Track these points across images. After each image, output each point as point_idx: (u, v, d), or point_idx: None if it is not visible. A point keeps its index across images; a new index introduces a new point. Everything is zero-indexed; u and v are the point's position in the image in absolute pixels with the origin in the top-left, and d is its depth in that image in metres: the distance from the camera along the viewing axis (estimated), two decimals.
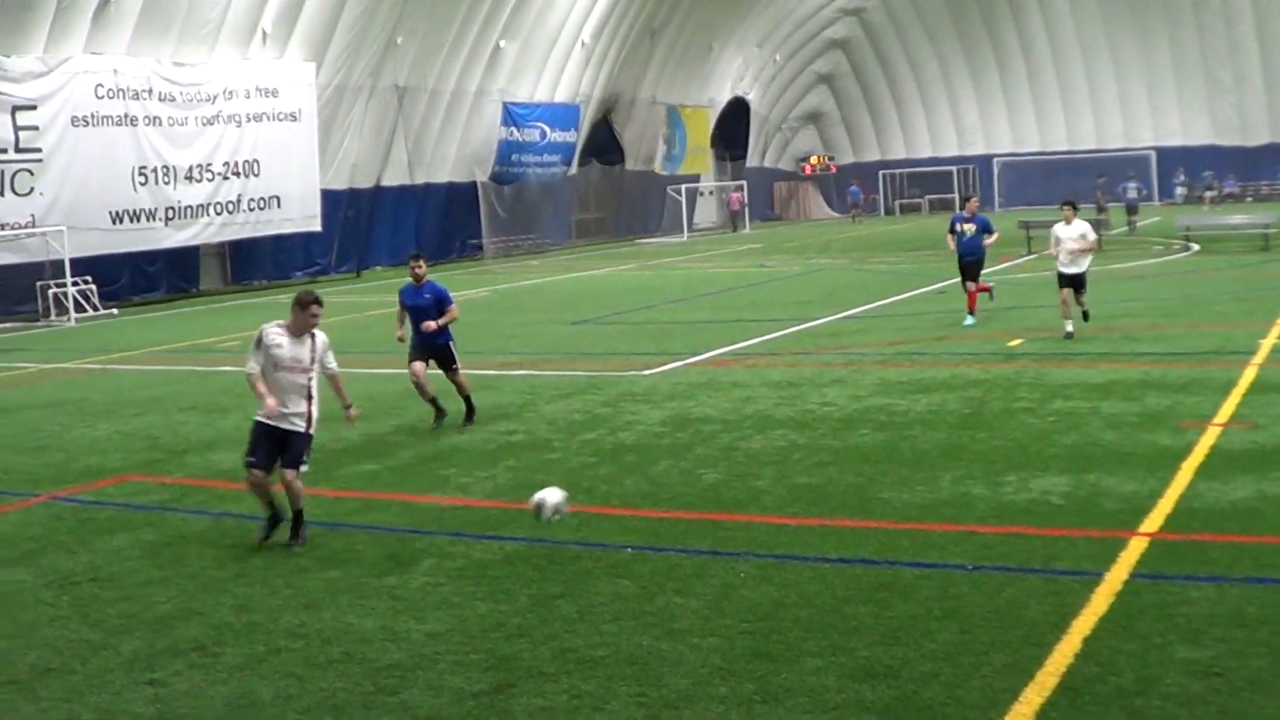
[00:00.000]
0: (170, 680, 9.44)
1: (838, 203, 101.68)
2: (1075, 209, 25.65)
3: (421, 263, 19.42)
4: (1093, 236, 25.60)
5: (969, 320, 28.12)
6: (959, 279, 29.62)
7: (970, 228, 29.16)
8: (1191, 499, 12.84)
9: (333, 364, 13.58)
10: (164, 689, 9.28)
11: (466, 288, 43.28)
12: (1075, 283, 24.86)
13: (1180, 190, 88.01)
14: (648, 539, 12.45)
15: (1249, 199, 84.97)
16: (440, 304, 18.96)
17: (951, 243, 29.55)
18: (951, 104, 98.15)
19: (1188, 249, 46.54)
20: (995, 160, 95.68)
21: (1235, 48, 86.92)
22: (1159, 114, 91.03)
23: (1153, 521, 12.15)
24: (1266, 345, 22.54)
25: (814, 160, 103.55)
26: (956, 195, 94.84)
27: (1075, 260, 24.79)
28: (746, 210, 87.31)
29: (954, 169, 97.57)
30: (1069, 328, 24.62)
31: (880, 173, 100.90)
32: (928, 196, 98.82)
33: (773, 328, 28.78)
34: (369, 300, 43.36)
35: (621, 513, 13.55)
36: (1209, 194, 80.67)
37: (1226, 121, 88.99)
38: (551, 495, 11.96)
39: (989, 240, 29.52)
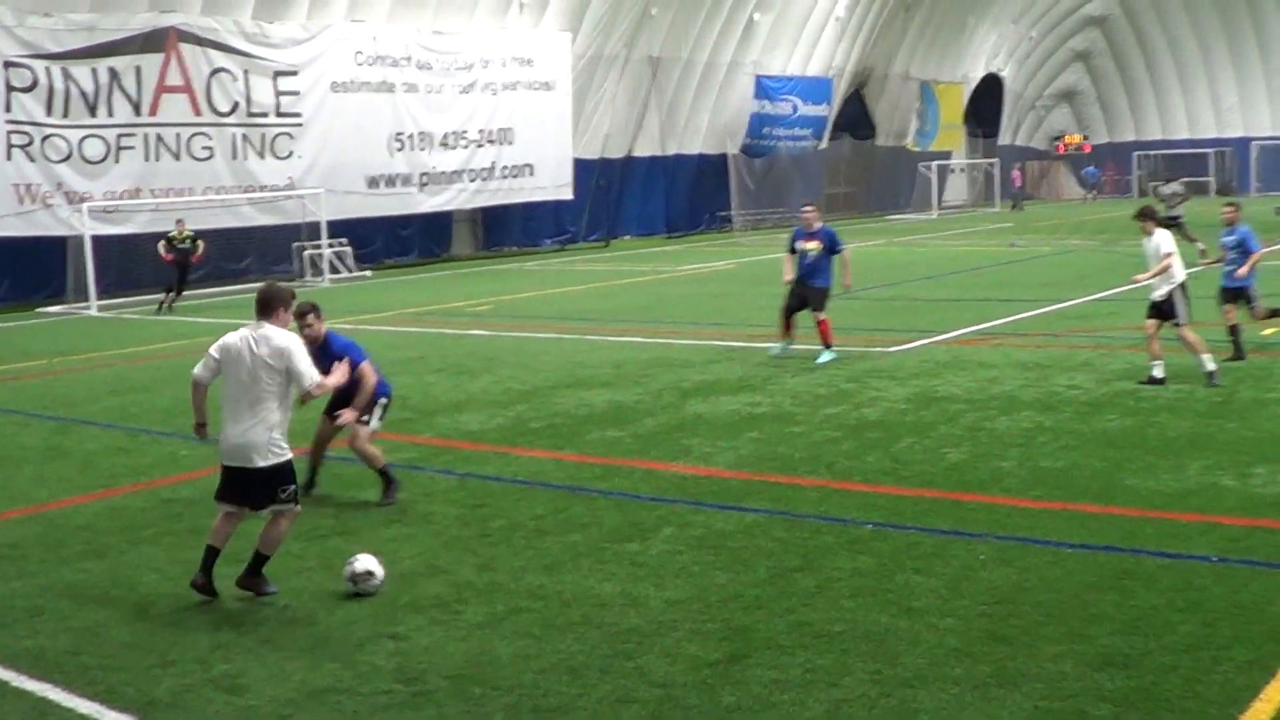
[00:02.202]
0: (411, 635, 9.69)
1: (1081, 182, 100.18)
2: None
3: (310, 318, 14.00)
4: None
5: (827, 356, 22.24)
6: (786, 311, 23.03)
7: (813, 246, 22.84)
8: None
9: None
10: (405, 643, 9.53)
11: (714, 259, 43.47)
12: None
13: None
14: (889, 516, 12.44)
15: None
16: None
17: (789, 269, 23.16)
18: (1210, 84, 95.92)
19: None
20: (1253, 144, 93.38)
21: None
22: None
23: None
24: None
25: (1067, 139, 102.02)
26: (1212, 178, 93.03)
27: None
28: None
29: (1211, 151, 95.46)
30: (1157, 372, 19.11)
31: (1134, 154, 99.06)
32: (1183, 179, 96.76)
33: (1021, 308, 28.48)
34: (617, 270, 43.66)
35: (863, 489, 13.55)
36: None
37: None
38: (376, 566, 10.97)
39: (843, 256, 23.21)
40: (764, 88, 65.66)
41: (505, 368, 22.64)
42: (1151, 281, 19.73)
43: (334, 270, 44.14)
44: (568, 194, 54.49)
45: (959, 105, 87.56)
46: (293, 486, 10.86)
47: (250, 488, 10.75)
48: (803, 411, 17.71)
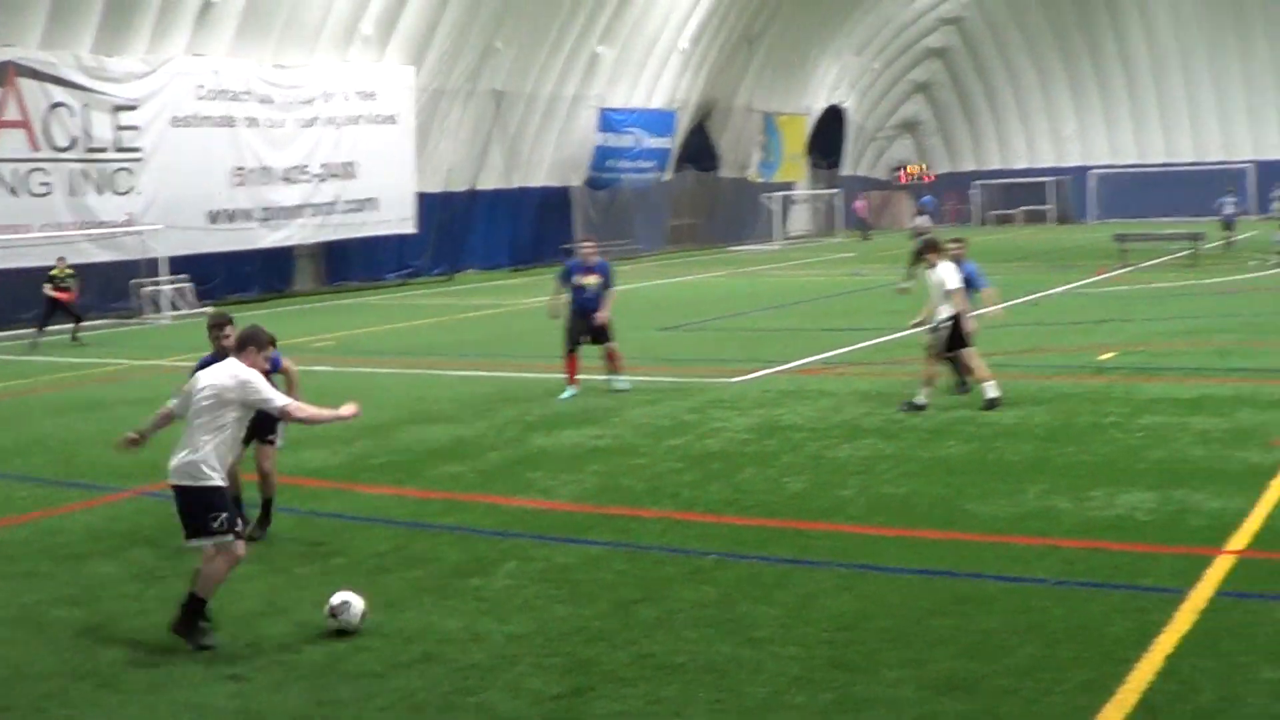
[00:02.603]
0: (252, 675, 9.55)
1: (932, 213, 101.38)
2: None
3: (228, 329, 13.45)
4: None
5: (623, 383, 22.67)
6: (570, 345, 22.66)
7: (591, 280, 22.74)
8: None
9: None
10: (246, 684, 9.39)
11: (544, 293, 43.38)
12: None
13: (1277, 205, 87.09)
14: (731, 546, 12.48)
15: None
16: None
17: (556, 307, 23.39)
18: (1049, 114, 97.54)
19: None
20: (1091, 172, 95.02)
21: None
22: (1259, 126, 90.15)
23: (1240, 539, 12.07)
24: None
25: (909, 169, 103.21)
26: (1052, 206, 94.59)
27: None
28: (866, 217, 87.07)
29: (1050, 180, 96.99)
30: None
31: (975, 183, 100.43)
32: (1022, 208, 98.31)
33: (863, 337, 28.72)
34: (462, 303, 43.52)
35: (706, 519, 13.57)
36: None
37: None
38: (356, 601, 10.77)
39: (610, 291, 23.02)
40: (608, 120, 65.82)
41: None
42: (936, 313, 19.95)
43: (174, 307, 43.59)
44: (411, 228, 54.22)
45: (802, 137, 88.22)
46: (224, 515, 10.53)
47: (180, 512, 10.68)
48: (645, 443, 17.72)
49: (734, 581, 11.34)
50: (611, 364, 22.61)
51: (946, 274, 19.98)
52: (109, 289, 44.01)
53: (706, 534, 13.00)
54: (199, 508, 10.44)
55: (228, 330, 13.06)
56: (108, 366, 30.42)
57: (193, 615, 10.22)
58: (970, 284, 20.89)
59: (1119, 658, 9.11)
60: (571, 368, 22.46)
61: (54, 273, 36.80)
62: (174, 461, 10.62)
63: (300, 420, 11.07)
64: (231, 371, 10.70)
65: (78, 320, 37.13)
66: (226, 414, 10.57)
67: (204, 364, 13.39)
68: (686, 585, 11.28)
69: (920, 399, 19.44)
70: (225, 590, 11.23)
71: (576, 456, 17.07)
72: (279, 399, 10.81)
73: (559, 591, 11.25)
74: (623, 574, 11.70)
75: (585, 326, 22.50)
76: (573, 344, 22.43)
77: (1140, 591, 10.68)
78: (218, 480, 10.50)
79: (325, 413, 11.03)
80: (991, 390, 19.37)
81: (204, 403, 10.57)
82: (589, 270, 22.75)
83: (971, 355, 20.00)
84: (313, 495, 15.49)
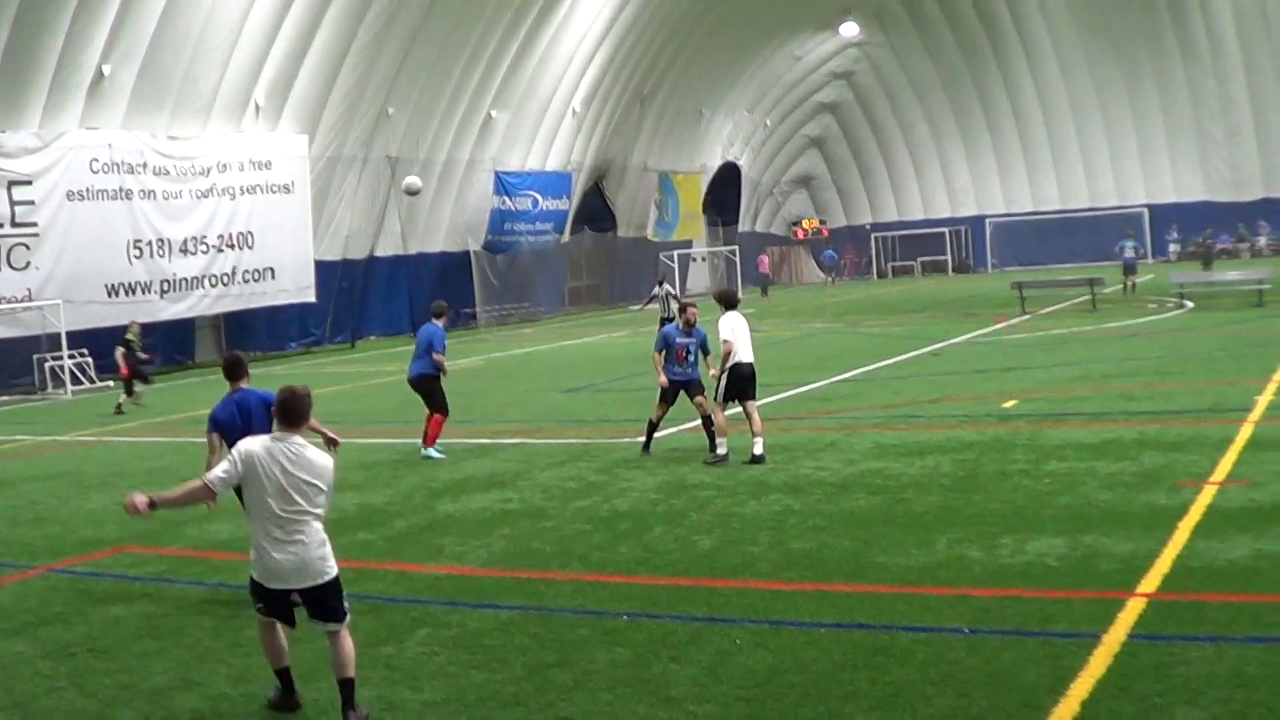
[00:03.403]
0: None
1: (819, 266, 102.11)
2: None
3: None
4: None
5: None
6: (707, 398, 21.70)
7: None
8: (1189, 558, 12.81)
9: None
10: None
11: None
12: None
13: (1174, 247, 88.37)
14: (643, 606, 12.41)
15: (1244, 255, 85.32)
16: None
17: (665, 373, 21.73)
18: (943, 165, 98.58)
19: (1182, 306, 46.59)
20: (988, 221, 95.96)
21: (1227, 103, 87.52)
22: (1151, 171, 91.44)
23: (1150, 582, 12.11)
24: (1263, 402, 22.53)
25: (806, 224, 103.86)
26: (949, 257, 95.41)
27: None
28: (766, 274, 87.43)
29: (946, 230, 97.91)
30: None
31: (873, 235, 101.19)
32: (920, 259, 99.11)
33: (766, 392, 28.65)
34: (364, 370, 43.33)
35: (617, 580, 13.51)
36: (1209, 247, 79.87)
37: (1219, 177, 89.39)
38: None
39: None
40: (504, 183, 65.96)
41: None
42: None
43: (76, 381, 43.25)
44: (311, 296, 54.06)
45: (698, 194, 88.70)
46: (348, 600, 10.03)
47: (307, 605, 9.90)
48: (554, 505, 17.65)
49: (647, 641, 11.28)
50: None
51: (722, 328, 20.67)
52: (9, 365, 43.77)
53: (618, 594, 12.93)
54: (334, 597, 9.88)
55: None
56: (11, 443, 30.12)
57: (349, 695, 9.77)
58: (701, 348, 21.57)
59: (1035, 705, 9.13)
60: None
61: (129, 337, 37.07)
62: (280, 558, 9.68)
63: None
64: (323, 456, 9.96)
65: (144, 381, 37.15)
66: (322, 498, 9.84)
67: (231, 413, 13.31)
68: (600, 647, 11.21)
69: (721, 449, 20.25)
70: (136, 664, 11.13)
71: (485, 521, 16.98)
72: None
73: (473, 657, 11.16)
74: (536, 637, 11.62)
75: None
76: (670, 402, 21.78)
77: (1054, 638, 10.70)
78: (336, 569, 9.96)
79: None
80: (758, 447, 20.03)
81: (306, 486, 9.68)
82: (689, 335, 21.64)
83: (751, 409, 20.60)
84: (221, 568, 15.29)
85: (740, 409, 20.86)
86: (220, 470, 9.84)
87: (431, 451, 22.92)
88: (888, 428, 22.48)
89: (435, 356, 23.11)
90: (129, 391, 35.93)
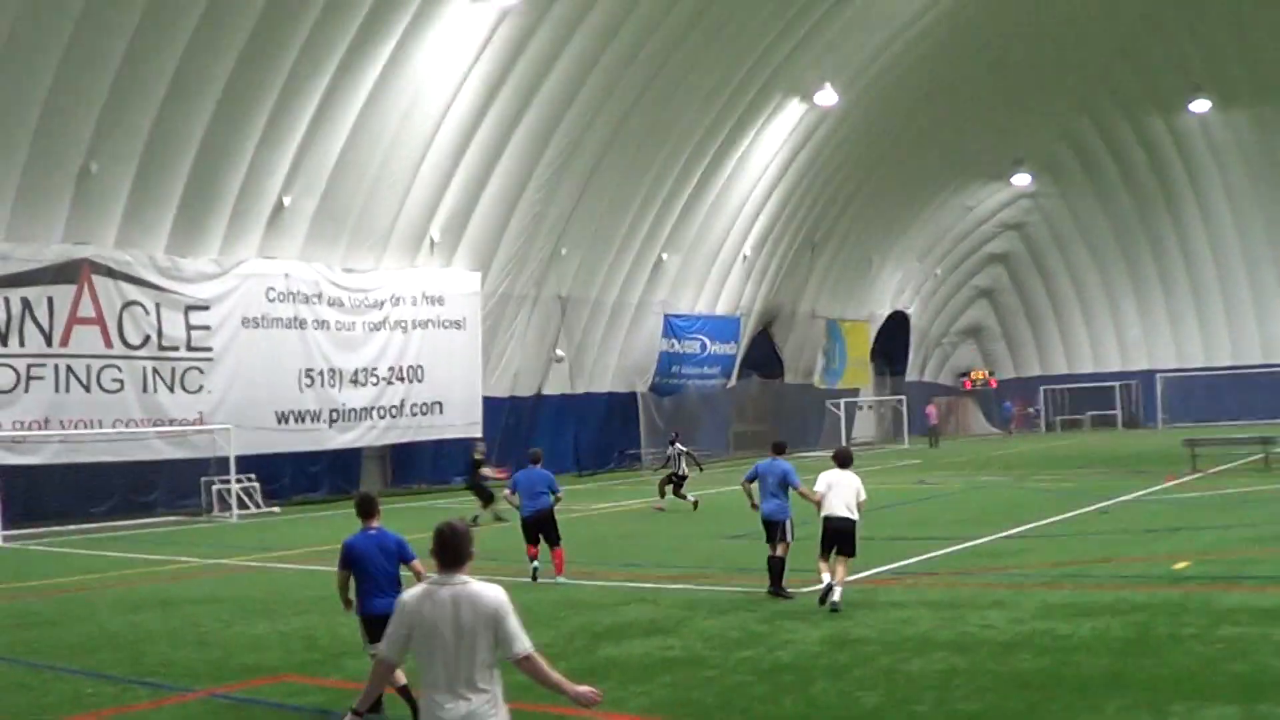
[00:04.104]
0: None
1: (997, 418, 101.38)
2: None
3: None
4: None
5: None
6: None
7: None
8: None
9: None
10: None
11: (625, 498, 43.41)
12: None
13: None
14: None
15: None
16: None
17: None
18: (1114, 317, 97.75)
19: None
20: (1158, 376, 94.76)
21: None
22: None
23: None
24: None
25: (974, 375, 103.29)
26: (1119, 411, 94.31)
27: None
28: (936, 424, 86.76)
29: (1116, 384, 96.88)
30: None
31: (1041, 388, 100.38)
32: (1089, 412, 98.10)
33: (932, 546, 28.47)
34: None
35: None
36: None
37: None
38: None
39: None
40: (672, 326, 66.29)
41: None
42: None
43: (242, 505, 43.88)
44: (477, 431, 54.42)
45: (866, 342, 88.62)
46: None
47: None
48: (715, 655, 17.50)
49: None
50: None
51: (820, 480, 22.22)
52: (177, 486, 44.56)
53: None
54: None
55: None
56: (176, 564, 30.54)
57: None
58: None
59: None
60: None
61: (477, 456, 40.97)
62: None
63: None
64: (493, 589, 8.87)
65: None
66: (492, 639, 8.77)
67: (359, 547, 13.87)
68: None
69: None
70: None
71: (646, 667, 16.87)
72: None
73: None
74: None
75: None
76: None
77: None
78: None
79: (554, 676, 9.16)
80: (835, 594, 20.68)
81: (478, 628, 8.68)
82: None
83: (840, 562, 21.40)
84: (385, 701, 15.29)
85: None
86: (387, 638, 9.00)
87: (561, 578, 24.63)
88: (1056, 586, 22.13)
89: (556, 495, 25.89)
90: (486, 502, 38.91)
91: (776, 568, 22.43)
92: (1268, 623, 18.00)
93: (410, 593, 8.94)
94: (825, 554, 21.41)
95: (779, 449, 24.35)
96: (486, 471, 40.19)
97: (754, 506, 23.60)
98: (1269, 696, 13.91)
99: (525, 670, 8.84)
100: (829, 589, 20.69)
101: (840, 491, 21.71)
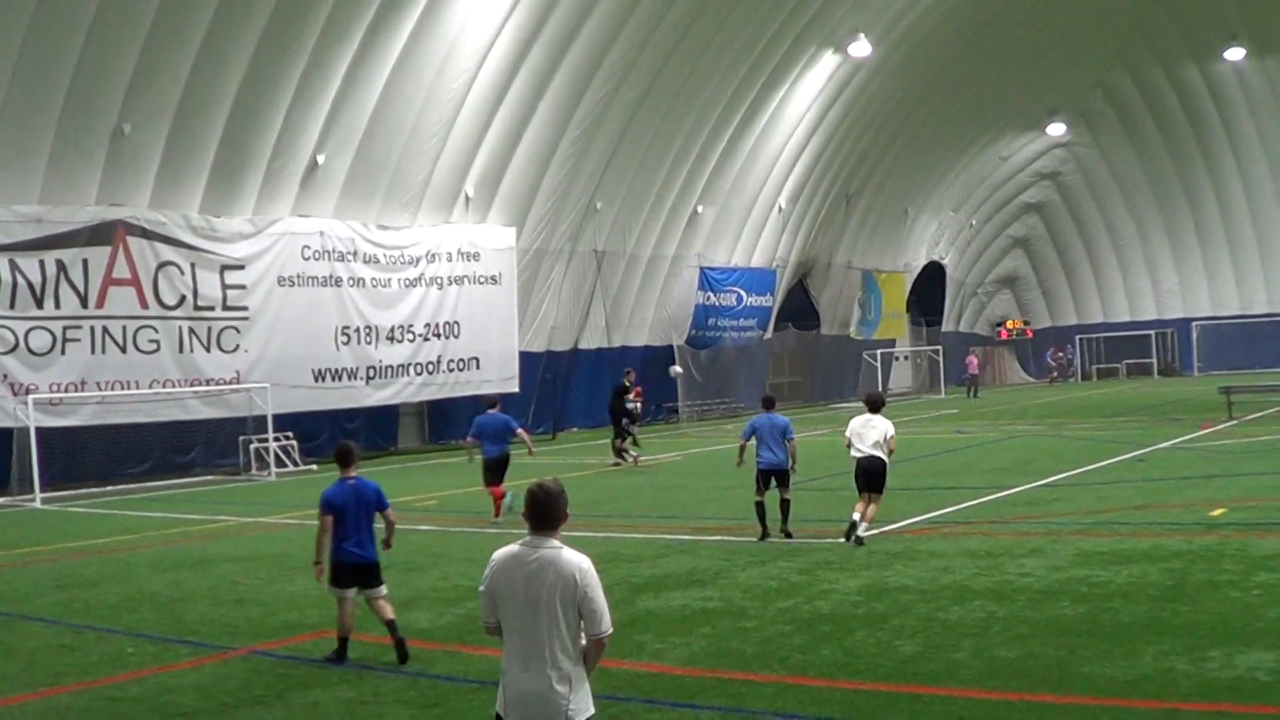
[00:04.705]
0: None
1: (1033, 367, 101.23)
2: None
3: None
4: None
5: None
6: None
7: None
8: None
9: None
10: None
11: (661, 451, 43.45)
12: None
13: None
14: (844, 711, 12.32)
15: None
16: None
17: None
18: (1149, 266, 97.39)
19: None
20: (1194, 324, 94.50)
21: None
22: None
23: None
24: None
25: (1009, 324, 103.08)
26: (1155, 360, 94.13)
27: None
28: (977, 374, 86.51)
29: (1152, 333, 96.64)
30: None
31: (1077, 337, 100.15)
32: (1125, 361, 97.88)
33: (969, 495, 28.51)
34: (564, 462, 43.54)
35: (818, 684, 13.40)
36: None
37: None
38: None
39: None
40: (708, 279, 66.25)
41: (454, 563, 22.49)
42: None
43: (280, 464, 43.99)
44: (514, 387, 54.47)
45: (902, 293, 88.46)
46: None
47: None
48: (755, 605, 17.59)
49: None
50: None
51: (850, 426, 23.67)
52: (215, 445, 44.67)
53: (819, 698, 12.85)
54: None
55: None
56: (214, 523, 30.67)
57: None
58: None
59: None
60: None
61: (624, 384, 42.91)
62: (523, 689, 8.22)
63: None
64: (578, 557, 8.39)
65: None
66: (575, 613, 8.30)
67: (338, 496, 14.41)
68: None
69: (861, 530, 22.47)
70: None
71: (685, 619, 16.96)
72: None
73: None
74: None
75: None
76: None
77: None
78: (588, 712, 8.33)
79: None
80: (861, 529, 22.41)
81: (559, 599, 8.26)
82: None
83: (871, 500, 22.85)
84: (421, 656, 15.40)
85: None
86: (483, 606, 8.54)
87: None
88: (1092, 534, 22.16)
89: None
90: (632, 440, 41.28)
91: (786, 511, 23.79)
92: None
93: (500, 552, 8.49)
94: (861, 490, 22.80)
95: (769, 403, 25.21)
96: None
97: (741, 463, 24.81)
98: None
99: (590, 649, 8.27)
100: (853, 525, 22.31)
101: (870, 433, 22.84)
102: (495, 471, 29.11)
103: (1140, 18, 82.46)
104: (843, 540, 22.25)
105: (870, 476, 22.65)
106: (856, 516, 22.40)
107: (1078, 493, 28.67)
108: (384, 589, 15.61)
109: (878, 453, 22.67)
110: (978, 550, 21.06)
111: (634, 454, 41.26)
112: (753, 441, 24.21)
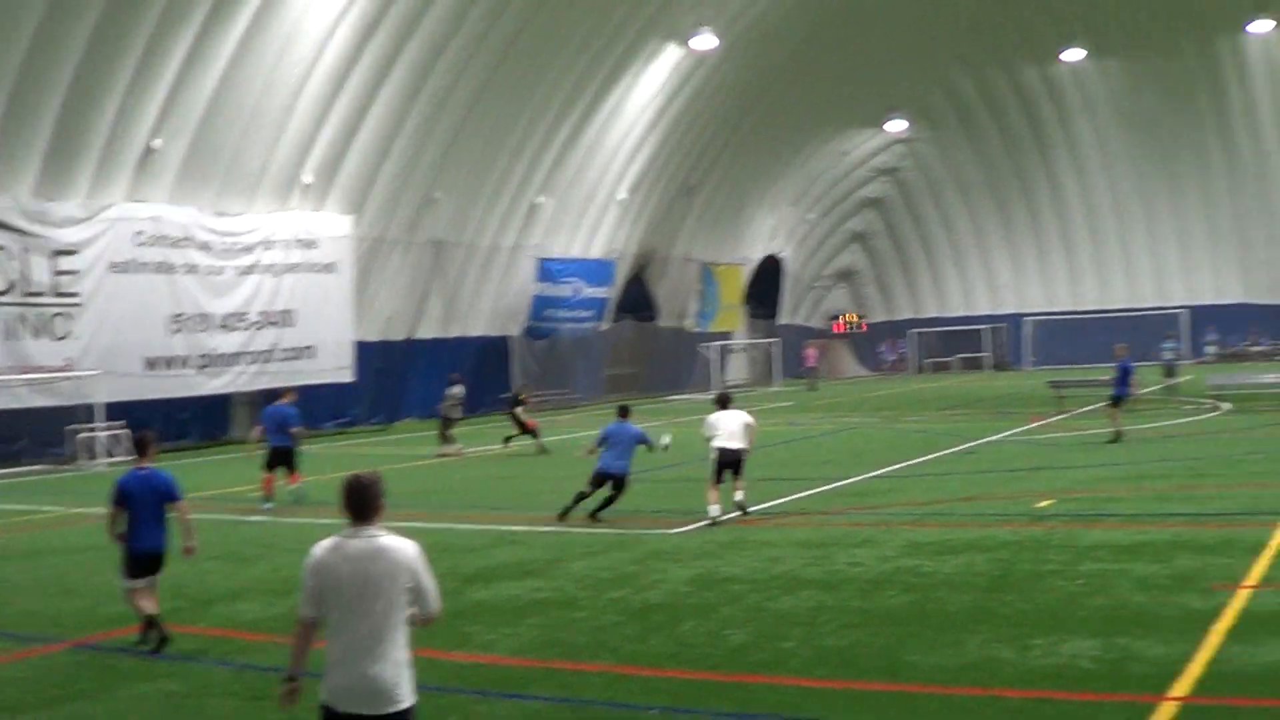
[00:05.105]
0: None
1: (869, 360, 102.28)
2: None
3: None
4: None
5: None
6: None
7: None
8: (1222, 662, 12.75)
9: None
10: None
11: (495, 441, 43.32)
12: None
13: (1211, 349, 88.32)
14: (674, 700, 12.37)
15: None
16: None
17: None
18: (984, 262, 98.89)
19: (1218, 408, 46.42)
20: (1026, 319, 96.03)
21: (1267, 207, 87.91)
22: (1191, 273, 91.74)
23: (1183, 685, 12.05)
24: None
25: (846, 318, 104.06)
26: (988, 353, 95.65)
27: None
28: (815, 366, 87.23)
29: (985, 327, 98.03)
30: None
31: (911, 330, 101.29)
32: (959, 355, 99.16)
33: (802, 486, 28.71)
34: (399, 453, 43.35)
35: (648, 673, 13.45)
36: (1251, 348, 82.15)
37: (1259, 280, 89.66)
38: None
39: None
40: (546, 270, 66.15)
41: (283, 554, 22.27)
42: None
43: (109, 454, 43.31)
44: (349, 376, 54.09)
45: (739, 286, 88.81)
46: None
47: None
48: (586, 596, 17.60)
49: None
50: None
51: (707, 422, 25.57)
52: (43, 434, 43.83)
53: (649, 688, 12.88)
54: None
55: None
56: (41, 514, 30.18)
57: None
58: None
59: None
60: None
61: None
62: (351, 677, 8.35)
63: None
64: (405, 543, 8.57)
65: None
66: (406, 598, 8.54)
67: (130, 485, 14.28)
68: None
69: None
70: None
71: (516, 609, 16.94)
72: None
73: None
74: None
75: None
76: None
77: None
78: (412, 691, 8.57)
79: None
80: (738, 495, 24.50)
81: (386, 585, 8.43)
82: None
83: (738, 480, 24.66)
84: (249, 648, 15.29)
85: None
86: (302, 595, 8.63)
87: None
88: (922, 525, 22.42)
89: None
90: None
91: (585, 499, 24.82)
92: (1127, 558, 18.36)
93: (320, 545, 8.50)
94: (718, 480, 24.27)
95: (624, 412, 26.29)
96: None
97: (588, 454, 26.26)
98: (1127, 630, 14.20)
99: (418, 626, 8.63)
100: (738, 504, 24.27)
101: (728, 427, 24.75)
102: (278, 460, 30.43)
103: (980, 18, 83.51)
104: (674, 531, 22.31)
105: (734, 465, 24.52)
106: (715, 509, 23.73)
107: (909, 484, 29.00)
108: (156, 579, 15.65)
109: (738, 444, 24.56)
110: (809, 540, 21.24)
111: (455, 447, 41.51)
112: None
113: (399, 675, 8.32)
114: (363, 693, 8.22)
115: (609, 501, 24.67)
